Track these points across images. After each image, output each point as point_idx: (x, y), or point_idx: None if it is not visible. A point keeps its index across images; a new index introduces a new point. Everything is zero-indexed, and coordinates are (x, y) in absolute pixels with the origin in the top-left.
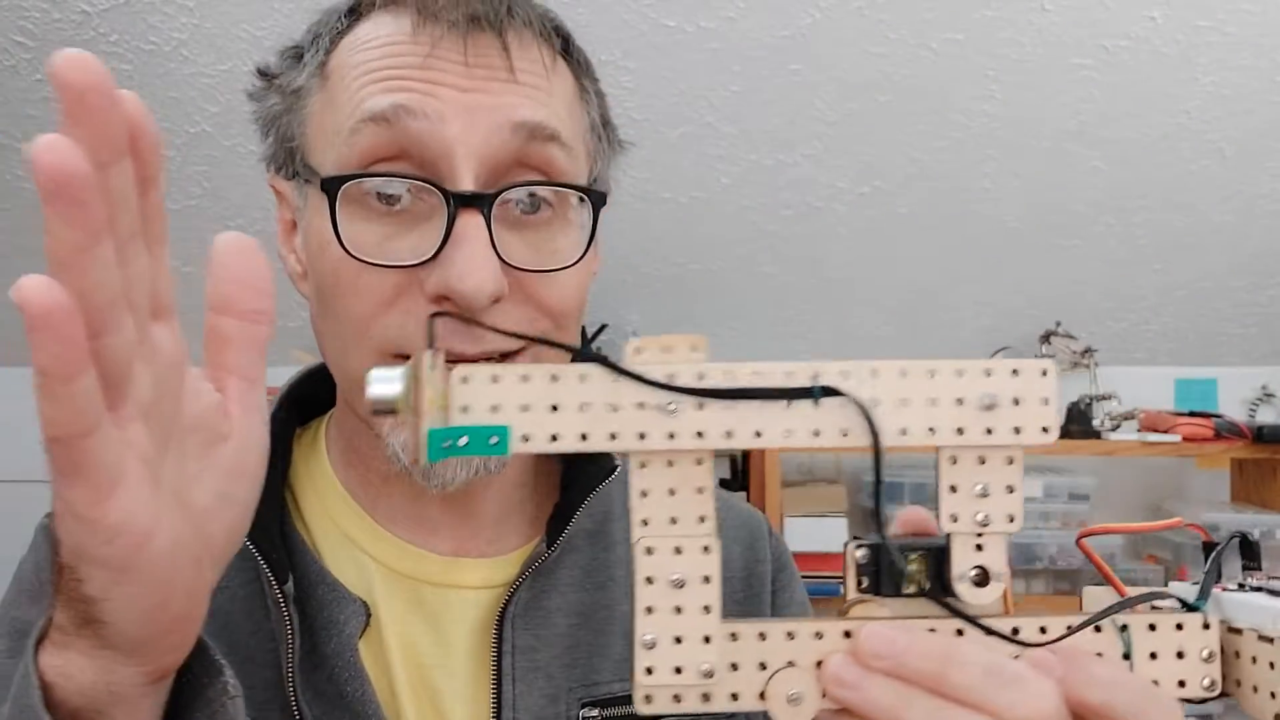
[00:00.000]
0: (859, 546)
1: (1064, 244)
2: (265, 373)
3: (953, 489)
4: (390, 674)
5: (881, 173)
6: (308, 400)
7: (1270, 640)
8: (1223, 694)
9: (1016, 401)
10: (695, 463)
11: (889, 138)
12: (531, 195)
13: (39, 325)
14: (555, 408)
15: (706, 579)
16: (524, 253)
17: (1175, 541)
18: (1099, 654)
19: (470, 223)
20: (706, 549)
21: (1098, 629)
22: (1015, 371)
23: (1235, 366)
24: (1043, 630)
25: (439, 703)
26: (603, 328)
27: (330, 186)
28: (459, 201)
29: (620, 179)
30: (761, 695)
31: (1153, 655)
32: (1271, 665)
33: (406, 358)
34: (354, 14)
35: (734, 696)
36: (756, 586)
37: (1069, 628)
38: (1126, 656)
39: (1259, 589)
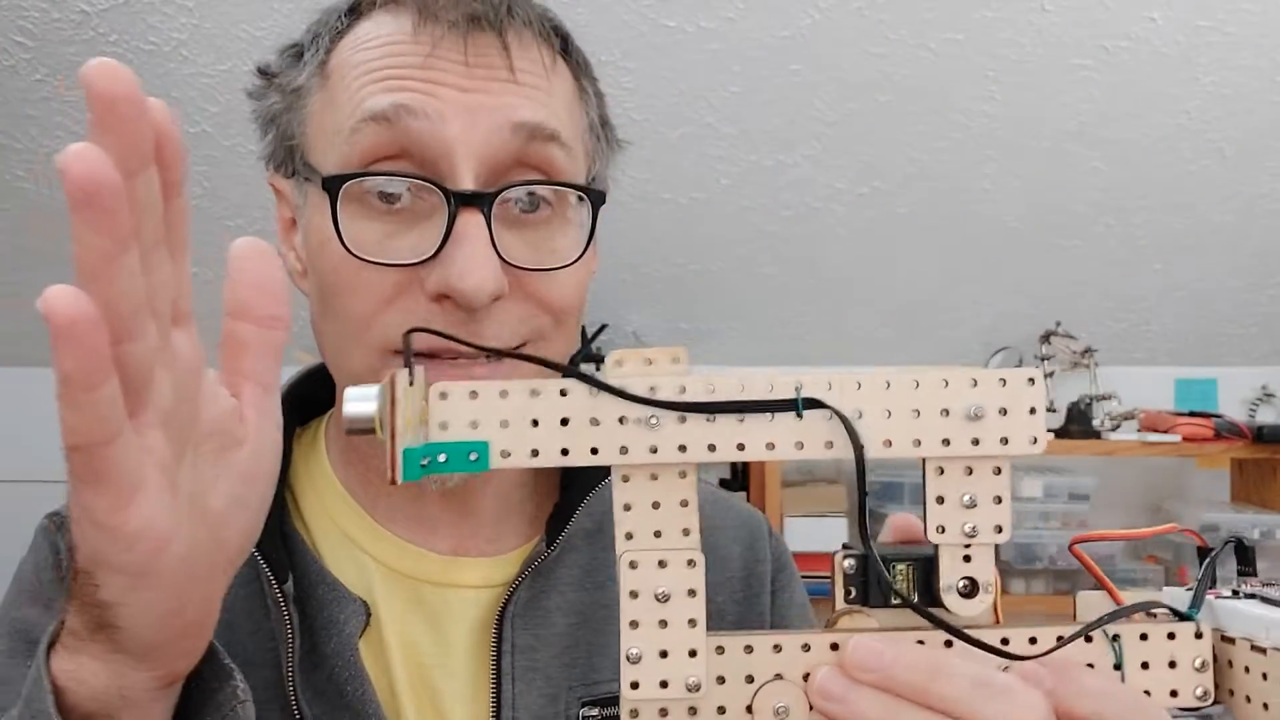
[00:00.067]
0: (846, 557)
1: (1064, 244)
2: (280, 377)
3: (940, 500)
4: (390, 673)
5: (881, 173)
6: (307, 400)
7: (1263, 651)
8: (1216, 702)
9: (1003, 411)
10: (679, 476)
11: (889, 138)
12: (531, 194)
13: (64, 335)
14: (536, 423)
15: (692, 592)
16: (524, 251)
17: (1175, 542)
18: (1090, 664)
19: (470, 222)
20: (691, 562)
21: (1089, 639)
22: (1002, 381)
23: (1235, 366)
24: (1033, 641)
25: (438, 702)
26: (603, 328)
27: (331, 186)
28: (459, 201)
29: (620, 179)
30: (749, 709)
31: (1144, 665)
32: (1264, 676)
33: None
34: (354, 13)
35: (721, 710)
36: (756, 586)
37: (1059, 638)
38: (1118, 666)
39: (1253, 596)
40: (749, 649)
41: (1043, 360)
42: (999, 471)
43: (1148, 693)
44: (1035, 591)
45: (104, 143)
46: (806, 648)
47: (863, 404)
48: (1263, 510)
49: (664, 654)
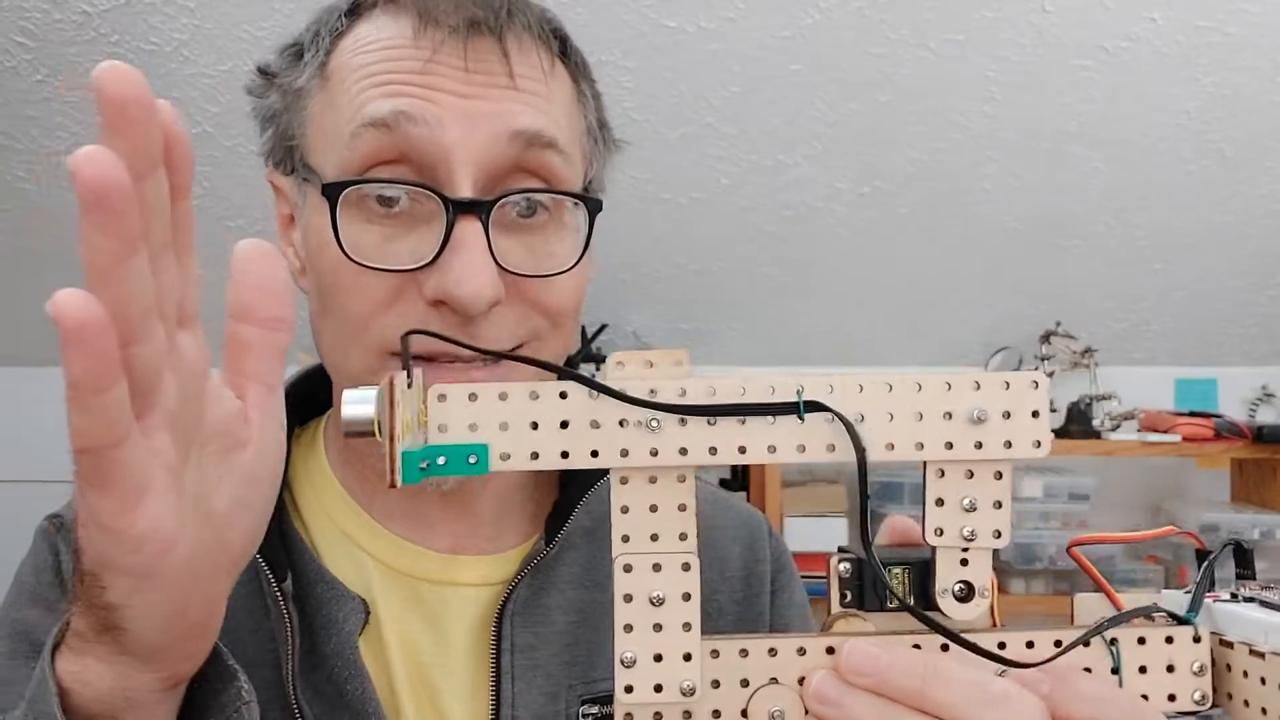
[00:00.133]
0: (842, 560)
1: (1064, 244)
2: (284, 379)
3: (939, 502)
4: (389, 672)
5: (881, 173)
6: (306, 401)
7: (1262, 656)
8: (1214, 706)
9: (1007, 415)
10: (678, 480)
11: (889, 138)
12: (528, 200)
13: (73, 339)
14: (535, 425)
15: (687, 596)
16: (521, 257)
17: (1175, 543)
18: (1087, 668)
19: (468, 229)
20: (686, 566)
21: (1086, 643)
22: (1006, 384)
23: (1235, 366)
24: (1030, 645)
25: (438, 701)
26: (603, 328)
27: (331, 193)
28: (458, 208)
29: (620, 179)
30: (744, 713)
31: (1142, 669)
32: (1263, 681)
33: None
34: (354, 13)
35: (716, 714)
36: (756, 586)
37: (1056, 643)
38: (1116, 670)
39: (1251, 599)
40: (744, 653)
41: (1043, 360)
42: (1000, 476)
43: (1145, 697)
44: (1035, 592)
45: (114, 145)
46: (802, 651)
47: (865, 407)
48: (1263, 510)
49: (658, 658)
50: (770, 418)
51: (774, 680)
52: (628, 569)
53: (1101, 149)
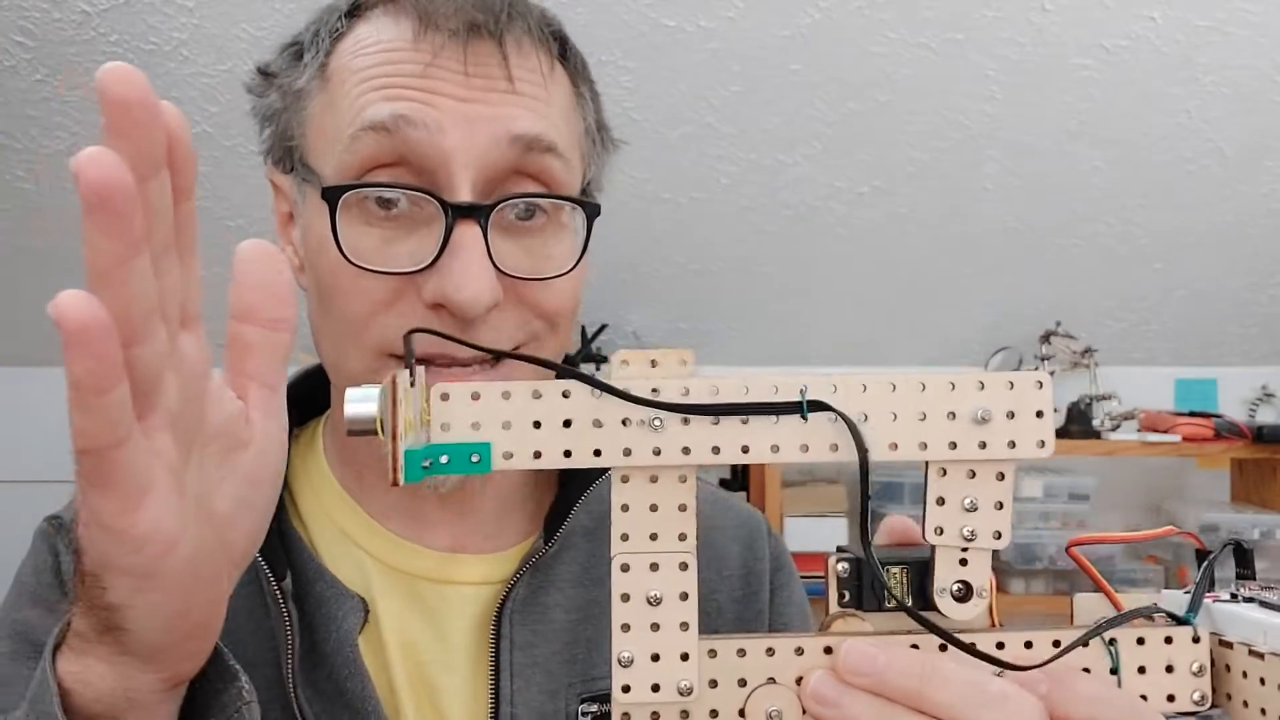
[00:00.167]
0: (840, 560)
1: (1064, 244)
2: (285, 379)
3: (940, 501)
4: (389, 670)
5: (881, 173)
6: (304, 401)
7: (1261, 656)
8: (1214, 707)
9: (1011, 415)
10: (679, 480)
11: (889, 138)
12: (527, 203)
13: (76, 340)
14: (538, 424)
15: (684, 596)
16: (519, 259)
17: (1175, 543)
18: (1085, 669)
19: (467, 233)
20: (684, 566)
21: (1085, 644)
22: (1010, 384)
23: (1235, 366)
24: (1028, 645)
25: (437, 699)
26: (603, 328)
27: (331, 196)
28: (456, 212)
29: (620, 179)
30: (741, 712)
31: (1141, 669)
32: (1262, 681)
33: (402, 358)
34: (353, 14)
35: (713, 714)
36: (755, 585)
37: (1055, 643)
38: (1114, 671)
39: (1251, 600)
40: (742, 652)
41: (1043, 360)
42: (1002, 477)
43: (1144, 697)
44: (1035, 591)
45: (118, 147)
46: (800, 651)
47: (868, 407)
48: (1263, 510)
49: (655, 657)
50: (774, 417)
51: (771, 680)
52: (625, 568)
53: (1101, 148)
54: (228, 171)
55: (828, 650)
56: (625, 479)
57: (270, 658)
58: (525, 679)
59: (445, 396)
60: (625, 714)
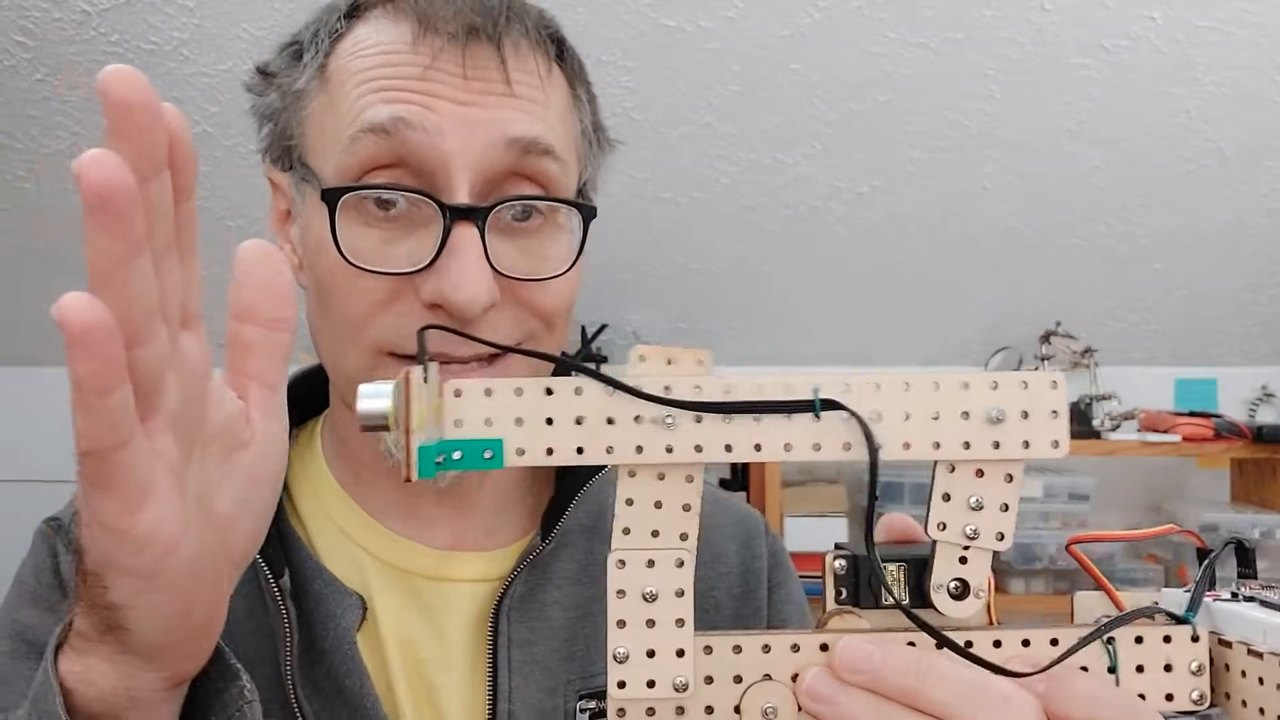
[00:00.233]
0: (837, 557)
1: (1064, 244)
2: (286, 379)
3: (945, 497)
4: (387, 668)
5: (881, 173)
6: (303, 401)
7: (1260, 656)
8: (1213, 706)
9: (1025, 415)
10: (686, 480)
11: (889, 138)
12: (524, 205)
13: (78, 342)
14: (550, 421)
15: (680, 592)
16: (516, 260)
17: (1175, 542)
18: (1084, 667)
19: (465, 235)
20: (680, 562)
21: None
22: (1024, 384)
23: (1235, 366)
24: (1026, 643)
25: (435, 697)
26: (603, 328)
27: (330, 198)
28: (454, 214)
29: (620, 179)
30: (737, 709)
31: (1140, 668)
32: (1261, 681)
33: (399, 356)
34: (353, 15)
35: (709, 710)
36: (753, 582)
37: (1053, 641)
38: (1113, 670)
39: (1251, 599)
40: (737, 649)
41: (1043, 360)
42: (1010, 479)
43: (1143, 696)
44: (1035, 591)
45: (119, 149)
46: (795, 648)
47: (881, 406)
48: (1263, 510)
49: (651, 654)
50: (786, 416)
51: (767, 677)
52: (621, 564)
53: (1101, 148)
54: (228, 171)
55: (824, 647)
56: (632, 474)
57: (269, 656)
58: (523, 676)
59: (458, 393)
60: (620, 710)
